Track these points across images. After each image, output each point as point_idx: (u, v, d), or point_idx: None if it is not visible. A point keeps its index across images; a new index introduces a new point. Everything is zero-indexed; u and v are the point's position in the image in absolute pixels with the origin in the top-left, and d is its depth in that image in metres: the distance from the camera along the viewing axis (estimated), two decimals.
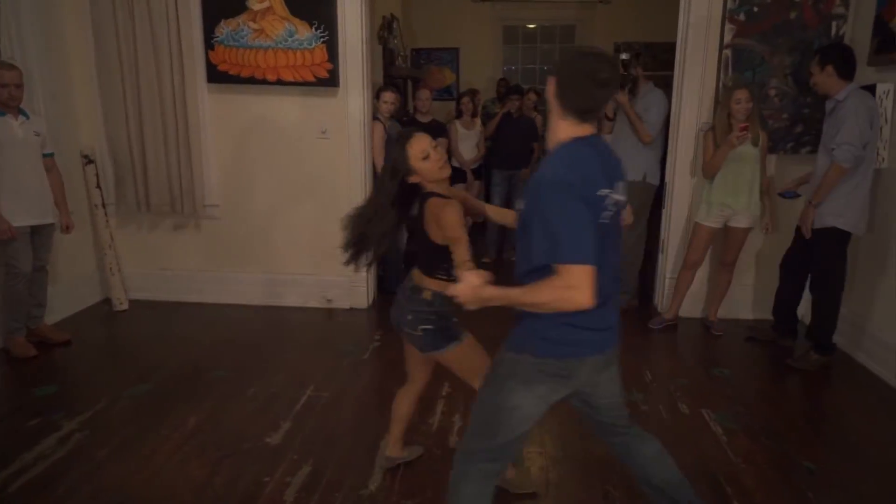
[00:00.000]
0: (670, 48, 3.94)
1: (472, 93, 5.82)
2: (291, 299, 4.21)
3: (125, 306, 4.11)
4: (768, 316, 3.70)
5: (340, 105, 3.92)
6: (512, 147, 5.31)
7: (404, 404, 2.28)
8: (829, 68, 3.12)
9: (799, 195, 3.52)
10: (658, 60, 6.88)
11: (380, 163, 4.20)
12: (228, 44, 3.81)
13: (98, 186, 4.04)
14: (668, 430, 2.68)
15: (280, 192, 4.10)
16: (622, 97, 3.80)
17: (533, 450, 2.53)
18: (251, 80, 3.85)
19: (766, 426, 2.73)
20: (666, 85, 3.99)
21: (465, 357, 2.04)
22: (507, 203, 5.46)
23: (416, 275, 2.04)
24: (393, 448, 2.35)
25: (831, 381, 3.25)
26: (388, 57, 5.97)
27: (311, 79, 3.81)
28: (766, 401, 3.01)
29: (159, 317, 4.02)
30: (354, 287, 4.18)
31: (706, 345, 3.72)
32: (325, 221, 4.11)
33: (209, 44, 3.83)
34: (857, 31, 3.54)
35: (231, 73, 3.86)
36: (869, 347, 3.34)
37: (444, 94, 7.80)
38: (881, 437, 2.70)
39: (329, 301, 4.19)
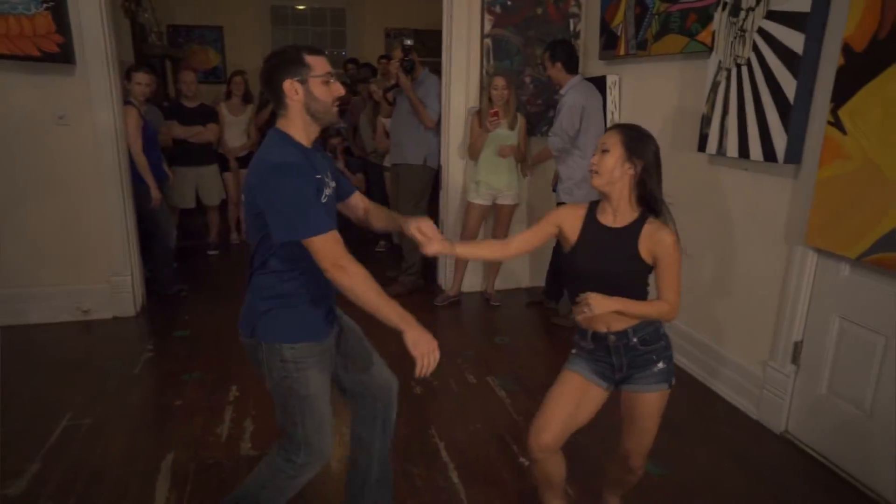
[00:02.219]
0: (437, 35, 4.10)
1: (240, 74, 5.46)
2: (36, 316, 3.55)
3: None
4: (542, 283, 4.13)
5: (80, 86, 3.36)
6: None
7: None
8: (559, 65, 3.55)
9: None
10: (426, 47, 7.17)
11: (136, 151, 3.73)
12: None
13: None
14: (458, 401, 2.84)
15: (9, 189, 3.40)
16: (405, 82, 3.87)
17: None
18: None
19: (542, 383, 3.02)
20: (435, 71, 4.16)
21: None
22: None
23: None
24: None
25: None
26: (139, 33, 5.30)
27: (36, 53, 3.18)
28: (540, 360, 3.36)
29: None
30: (117, 293, 3.66)
31: (487, 316, 4.01)
32: (73, 221, 3.53)
33: None
34: (589, 29, 4.06)
35: None
36: None
37: (210, 76, 7.22)
38: None
39: (85, 312, 3.62)
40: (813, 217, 2.31)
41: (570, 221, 1.73)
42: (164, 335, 3.48)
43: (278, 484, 1.68)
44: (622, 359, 1.69)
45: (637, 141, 1.62)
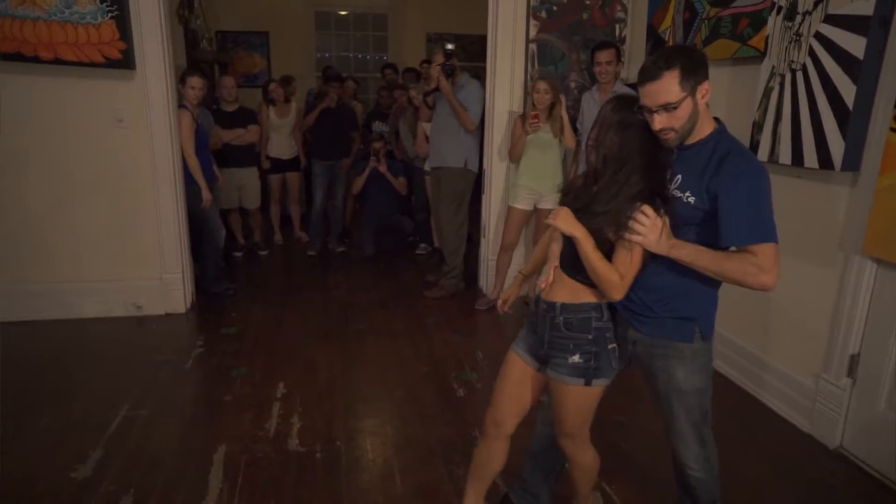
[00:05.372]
0: (478, 40, 4.14)
1: (287, 80, 5.59)
2: (90, 309, 3.69)
3: None
4: None
5: (139, 90, 3.49)
6: (332, 137, 5.21)
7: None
8: (621, 65, 3.57)
9: None
10: (467, 52, 7.22)
11: (189, 153, 3.85)
12: None
13: None
14: None
15: (66, 187, 3.55)
16: (445, 86, 3.90)
17: (377, 440, 2.53)
18: (18, 58, 3.25)
19: None
20: (475, 76, 4.19)
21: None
22: (330, 193, 5.36)
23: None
24: None
25: None
26: (191, 39, 5.47)
27: (100, 59, 3.33)
28: None
29: None
30: (168, 290, 3.79)
31: None
32: (127, 219, 3.68)
33: None
34: (635, 34, 4.04)
35: None
36: None
37: (255, 80, 7.39)
38: None
39: (139, 307, 3.75)
40: (871, 226, 2.25)
41: None
42: (212, 332, 3.58)
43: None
44: (545, 334, 1.65)
45: None
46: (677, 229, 1.54)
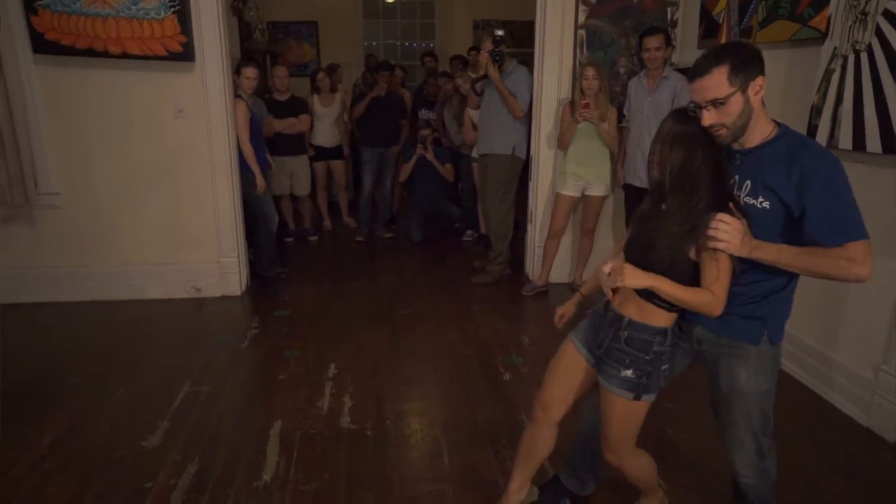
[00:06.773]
0: (525, 26, 4.10)
1: (332, 68, 5.68)
2: (154, 291, 3.89)
3: None
4: None
5: (198, 81, 3.64)
6: (381, 125, 5.28)
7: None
8: (670, 49, 3.53)
9: None
10: (514, 38, 7.17)
11: (244, 141, 3.99)
12: (56, 9, 3.36)
13: None
14: None
15: (133, 175, 3.74)
16: (494, 73, 3.91)
17: (424, 420, 2.59)
18: (90, 53, 3.45)
19: None
20: (522, 62, 4.17)
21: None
22: (379, 180, 5.44)
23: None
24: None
25: None
26: (245, 30, 5.63)
27: (163, 53, 3.48)
28: None
29: None
30: (225, 273, 3.95)
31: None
32: (187, 205, 3.85)
33: (30, 7, 3.35)
34: (687, 17, 3.94)
35: (63, 43, 3.42)
36: None
37: (305, 69, 7.53)
38: None
39: (198, 290, 3.93)
40: None
41: None
42: (266, 314, 3.73)
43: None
44: (605, 340, 1.65)
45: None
46: (755, 234, 1.50)
